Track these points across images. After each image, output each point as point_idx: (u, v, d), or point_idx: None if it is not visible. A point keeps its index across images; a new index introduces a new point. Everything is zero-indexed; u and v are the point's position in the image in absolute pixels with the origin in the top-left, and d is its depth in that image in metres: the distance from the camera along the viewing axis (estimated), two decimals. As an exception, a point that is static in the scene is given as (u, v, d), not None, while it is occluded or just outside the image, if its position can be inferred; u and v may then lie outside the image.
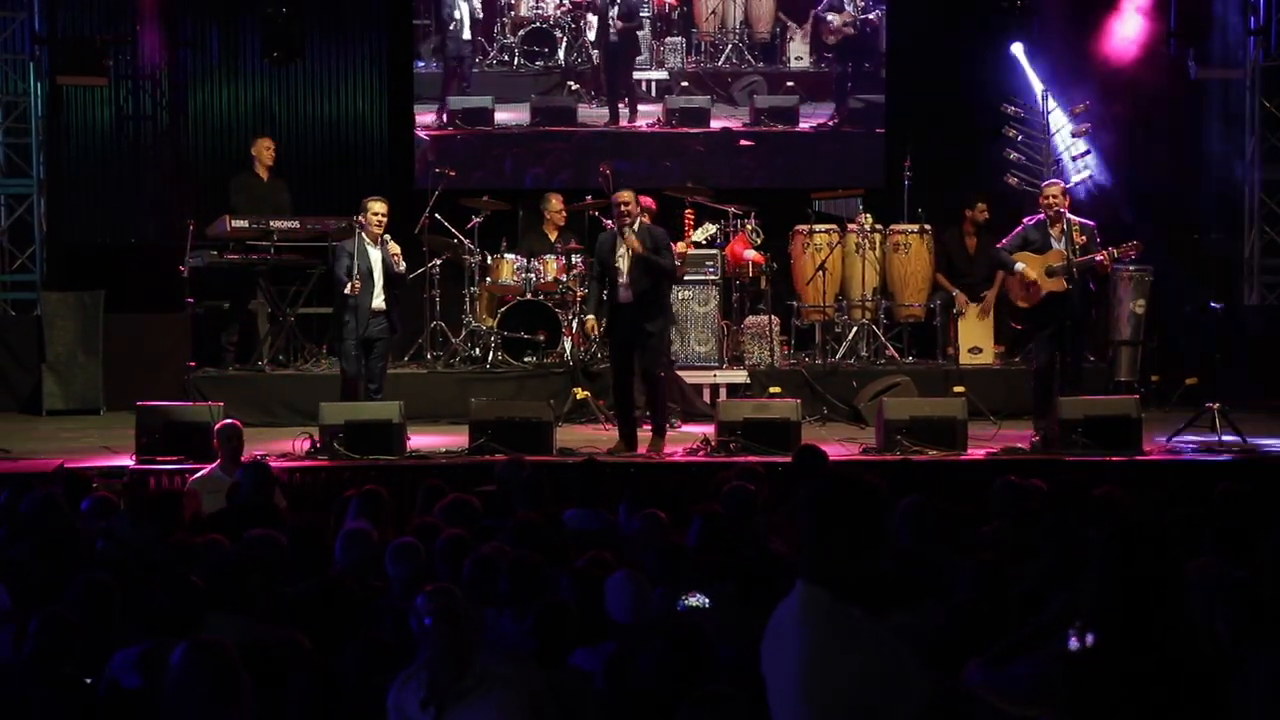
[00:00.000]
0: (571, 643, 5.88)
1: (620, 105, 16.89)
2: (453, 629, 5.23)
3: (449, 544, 6.91)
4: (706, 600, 6.09)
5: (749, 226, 14.62)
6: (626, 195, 11.84)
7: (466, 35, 16.81)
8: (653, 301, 11.79)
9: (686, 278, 14.21)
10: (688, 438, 12.40)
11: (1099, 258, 12.07)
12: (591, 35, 16.88)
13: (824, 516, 3.91)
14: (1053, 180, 13.09)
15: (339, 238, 12.88)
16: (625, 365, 12.01)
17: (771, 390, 13.61)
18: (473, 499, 8.05)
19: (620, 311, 11.81)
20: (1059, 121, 15.63)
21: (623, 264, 11.72)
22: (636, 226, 11.71)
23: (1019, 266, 12.18)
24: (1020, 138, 15.59)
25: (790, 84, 17.10)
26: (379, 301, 12.23)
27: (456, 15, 16.80)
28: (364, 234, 12.18)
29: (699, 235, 14.29)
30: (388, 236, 12.28)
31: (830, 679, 3.80)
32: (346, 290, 12.07)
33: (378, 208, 12.27)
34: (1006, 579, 6.08)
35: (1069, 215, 12.19)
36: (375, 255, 12.20)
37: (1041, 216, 12.33)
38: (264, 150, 15.04)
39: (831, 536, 3.88)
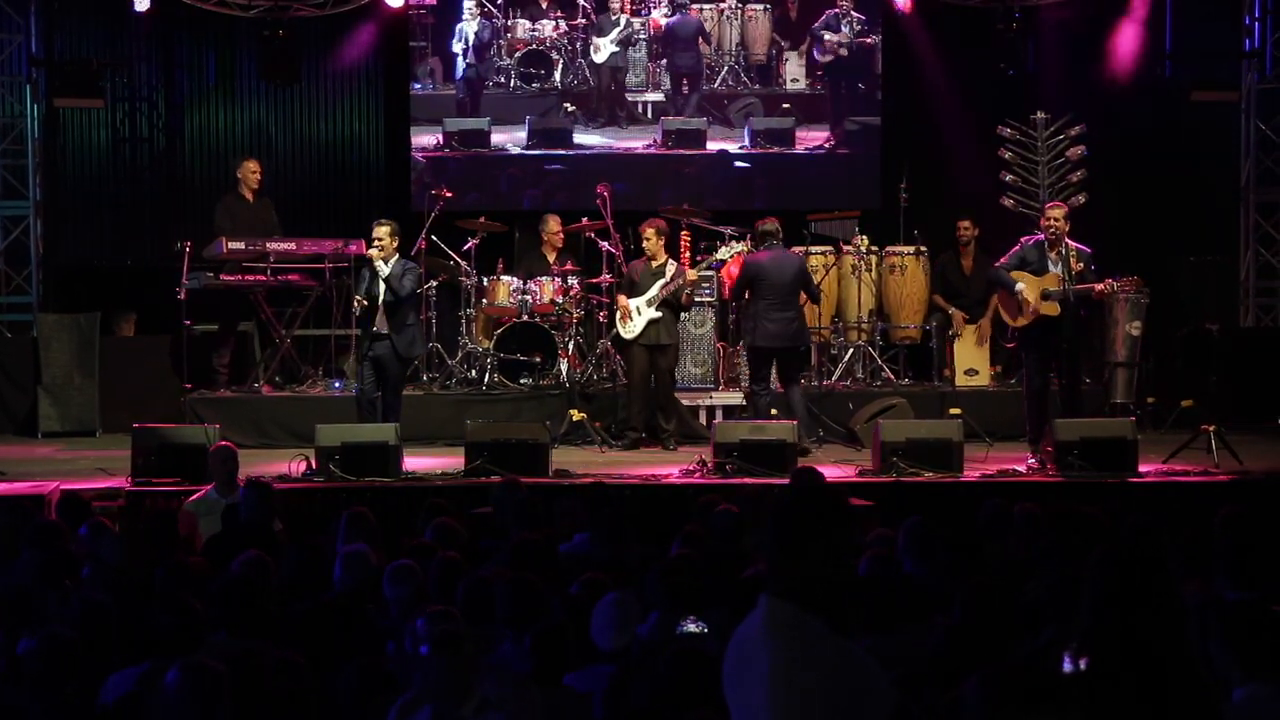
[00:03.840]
0: (568, 665, 5.87)
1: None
2: (452, 657, 5.21)
3: (442, 567, 6.91)
4: (705, 626, 6.08)
5: (745, 249, 14.60)
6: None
7: (471, 59, 16.86)
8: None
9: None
10: (684, 459, 12.40)
11: (1099, 287, 12.07)
12: (598, 58, 16.88)
13: (788, 528, 3.84)
14: (1056, 203, 13.08)
15: (361, 264, 12.99)
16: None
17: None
18: (455, 523, 8.05)
19: None
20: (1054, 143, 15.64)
21: None
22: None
23: (1020, 286, 12.18)
24: (1016, 160, 15.60)
25: (786, 106, 17.12)
26: (378, 324, 12.29)
27: (468, 39, 16.82)
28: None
29: (723, 254, 14.20)
30: (373, 253, 12.32)
31: (798, 691, 3.73)
32: (354, 309, 12.46)
33: (375, 231, 12.36)
34: (1004, 601, 6.07)
35: (1068, 240, 12.18)
36: (378, 279, 12.26)
37: (1040, 237, 12.33)
38: (249, 173, 14.99)
39: (796, 548, 3.82)
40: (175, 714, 4.89)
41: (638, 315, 13.33)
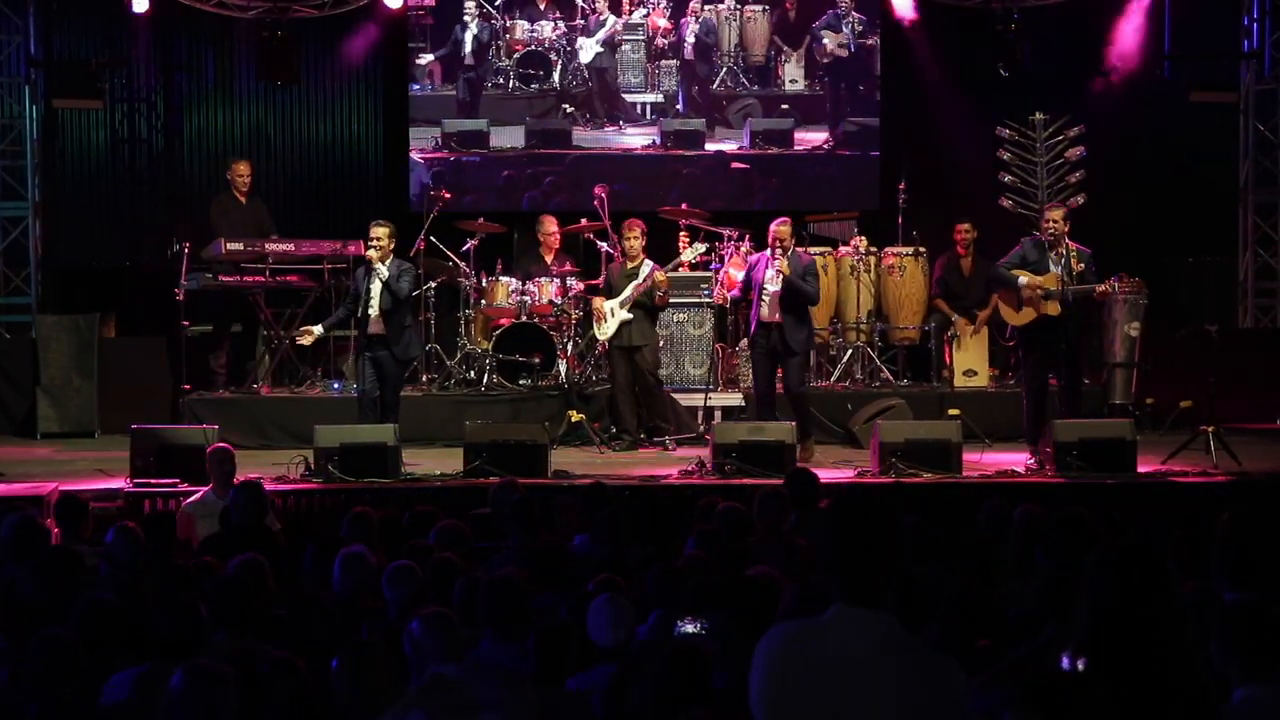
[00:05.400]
0: (572, 665, 5.87)
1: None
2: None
3: (439, 568, 6.91)
4: (704, 626, 6.07)
5: (744, 249, 14.61)
6: (782, 229, 12.63)
7: (470, 60, 16.86)
8: (796, 323, 12.50)
9: (682, 300, 14.21)
10: (682, 460, 12.39)
11: (1100, 288, 12.08)
12: (584, 57, 16.87)
13: (862, 536, 3.75)
14: (1054, 204, 13.08)
15: (359, 264, 12.96)
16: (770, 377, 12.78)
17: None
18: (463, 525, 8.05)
19: (765, 328, 12.57)
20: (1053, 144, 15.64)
21: (770, 285, 12.43)
22: (790, 254, 12.53)
23: (1022, 280, 12.16)
24: (1015, 161, 15.60)
25: (785, 107, 17.11)
26: (375, 326, 12.24)
27: (468, 42, 16.82)
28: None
29: (688, 255, 14.19)
30: (372, 254, 12.28)
31: (939, 706, 3.68)
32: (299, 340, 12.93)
33: (372, 231, 12.29)
34: (987, 601, 6.08)
35: (1069, 241, 12.17)
36: (376, 281, 12.22)
37: (1041, 236, 12.34)
38: (238, 175, 15.02)
39: (872, 554, 3.74)
40: (180, 716, 4.88)
41: (611, 317, 13.34)
